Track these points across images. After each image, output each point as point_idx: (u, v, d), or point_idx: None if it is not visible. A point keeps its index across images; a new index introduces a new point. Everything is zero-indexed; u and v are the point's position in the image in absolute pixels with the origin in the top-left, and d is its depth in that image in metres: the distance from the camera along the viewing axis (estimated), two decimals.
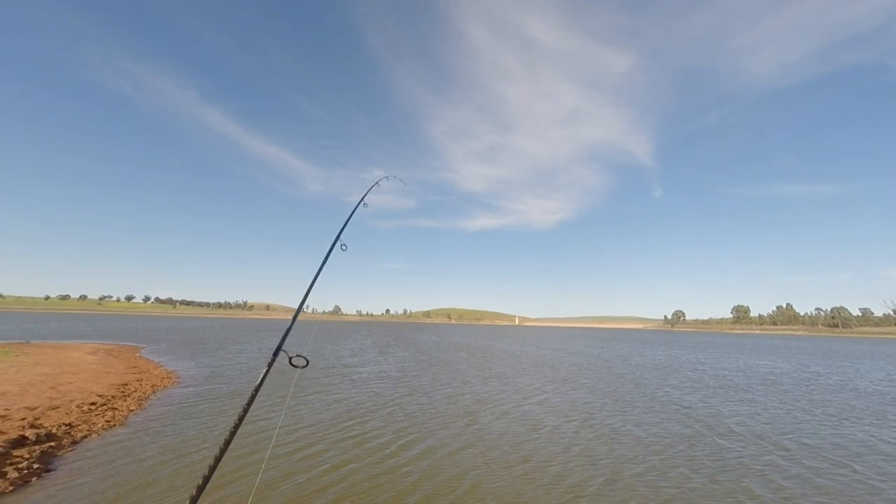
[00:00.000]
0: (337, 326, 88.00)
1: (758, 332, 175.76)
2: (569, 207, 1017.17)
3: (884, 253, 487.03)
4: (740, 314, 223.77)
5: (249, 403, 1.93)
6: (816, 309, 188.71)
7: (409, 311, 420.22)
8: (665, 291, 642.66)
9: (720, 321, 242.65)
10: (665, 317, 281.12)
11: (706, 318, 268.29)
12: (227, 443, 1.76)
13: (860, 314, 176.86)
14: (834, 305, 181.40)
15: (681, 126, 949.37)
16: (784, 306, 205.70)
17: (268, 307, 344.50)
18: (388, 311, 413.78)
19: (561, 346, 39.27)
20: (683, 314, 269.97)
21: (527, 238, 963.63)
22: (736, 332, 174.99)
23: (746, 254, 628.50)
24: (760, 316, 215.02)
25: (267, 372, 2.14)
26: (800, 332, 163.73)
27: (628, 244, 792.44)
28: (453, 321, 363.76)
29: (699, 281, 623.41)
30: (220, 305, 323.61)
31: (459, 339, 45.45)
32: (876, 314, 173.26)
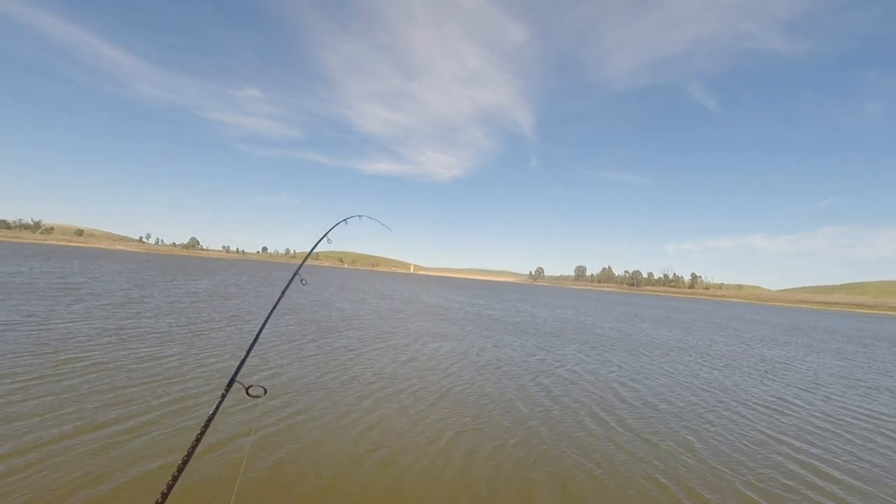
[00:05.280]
0: (185, 264, 63.01)
1: (589, 287, 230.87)
2: (465, 165, 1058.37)
3: (665, 233, 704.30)
4: (579, 273, 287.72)
5: (202, 433, 1.76)
6: (625, 271, 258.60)
7: (292, 252, 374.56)
8: (531, 251, 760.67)
9: (567, 277, 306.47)
10: (530, 272, 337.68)
11: (558, 274, 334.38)
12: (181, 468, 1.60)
13: (646, 276, 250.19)
14: (634, 269, 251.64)
15: (557, 106, 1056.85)
16: (607, 268, 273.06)
17: (81, 232, 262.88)
18: (264, 248, 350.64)
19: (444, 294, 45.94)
20: (543, 270, 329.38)
21: (425, 189, 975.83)
22: (576, 287, 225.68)
23: (590, 228, 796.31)
24: (592, 275, 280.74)
25: (219, 405, 1.92)
26: (613, 288, 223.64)
27: (508, 205, 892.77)
28: (346, 265, 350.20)
29: (555, 245, 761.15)
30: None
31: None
32: (656, 276, 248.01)
